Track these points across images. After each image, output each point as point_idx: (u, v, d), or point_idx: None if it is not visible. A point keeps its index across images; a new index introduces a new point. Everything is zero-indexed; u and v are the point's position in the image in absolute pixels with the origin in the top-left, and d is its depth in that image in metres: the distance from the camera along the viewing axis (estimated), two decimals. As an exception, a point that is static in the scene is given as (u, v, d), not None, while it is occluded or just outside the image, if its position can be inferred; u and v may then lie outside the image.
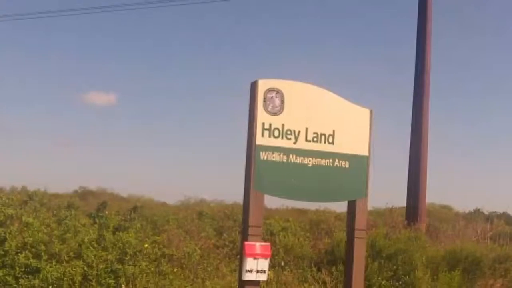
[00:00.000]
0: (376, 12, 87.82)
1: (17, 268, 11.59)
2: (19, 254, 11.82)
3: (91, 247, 12.18)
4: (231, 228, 20.46)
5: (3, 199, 17.10)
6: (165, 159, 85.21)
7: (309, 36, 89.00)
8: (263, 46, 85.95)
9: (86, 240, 12.42)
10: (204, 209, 30.29)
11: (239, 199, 7.65)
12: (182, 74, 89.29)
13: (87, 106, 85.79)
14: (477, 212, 34.68)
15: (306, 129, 7.62)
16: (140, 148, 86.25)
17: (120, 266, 11.89)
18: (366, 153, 8.21)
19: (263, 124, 7.25)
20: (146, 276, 11.85)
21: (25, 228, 12.91)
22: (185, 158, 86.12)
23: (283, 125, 7.39)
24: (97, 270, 11.67)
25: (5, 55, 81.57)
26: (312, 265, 14.51)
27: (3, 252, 12.03)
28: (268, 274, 7.56)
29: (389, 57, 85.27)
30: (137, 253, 12.42)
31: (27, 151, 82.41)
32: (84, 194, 42.50)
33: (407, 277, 14.12)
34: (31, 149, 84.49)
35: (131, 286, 11.55)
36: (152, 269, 12.18)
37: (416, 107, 25.81)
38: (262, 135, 7.24)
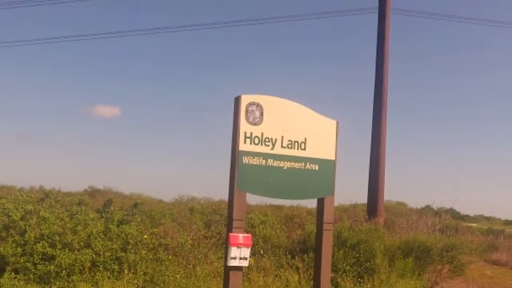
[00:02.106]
0: (343, 36, 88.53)
1: (35, 256, 11.55)
2: (37, 244, 11.78)
3: (98, 238, 12.15)
4: (218, 222, 20.43)
5: (23, 196, 16.98)
6: (162, 162, 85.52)
7: (289, 57, 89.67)
8: (249, 66, 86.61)
9: (94, 231, 12.38)
10: (195, 205, 30.31)
11: (225, 197, 7.65)
12: (178, 89, 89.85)
13: (95, 118, 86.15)
14: (428, 207, 34.68)
15: (282, 137, 7.65)
16: (141, 153, 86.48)
17: (123, 254, 11.86)
18: (333, 158, 8.25)
19: (245, 133, 7.29)
20: (145, 262, 11.82)
21: (42, 222, 12.85)
22: (179, 161, 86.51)
23: (262, 133, 7.42)
24: (104, 258, 11.65)
25: (25, 74, 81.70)
26: (287, 253, 14.50)
27: (23, 242, 12.00)
28: (249, 261, 7.58)
29: (354, 76, 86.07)
30: (138, 243, 12.39)
31: (44, 156, 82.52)
32: (92, 193, 42.32)
33: (368, 263, 14.14)
34: (47, 154, 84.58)
35: (132, 271, 11.53)
36: (151, 256, 12.15)
37: (375, 119, 25.88)
38: (245, 142, 7.28)
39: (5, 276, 10.94)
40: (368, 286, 13.30)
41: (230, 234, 7.22)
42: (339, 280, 13.28)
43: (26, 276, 11.21)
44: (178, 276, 11.74)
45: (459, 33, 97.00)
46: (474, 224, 50.14)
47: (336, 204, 9.17)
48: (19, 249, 11.85)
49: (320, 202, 8.23)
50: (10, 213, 13.52)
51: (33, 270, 11.32)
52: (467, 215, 64.51)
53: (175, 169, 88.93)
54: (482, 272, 22.65)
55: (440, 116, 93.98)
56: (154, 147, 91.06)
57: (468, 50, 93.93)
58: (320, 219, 8.22)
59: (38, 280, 11.14)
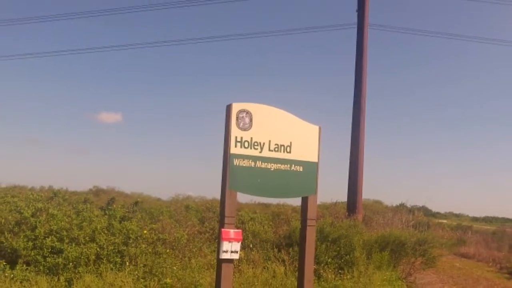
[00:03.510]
0: (326, 48, 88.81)
1: (45, 249, 11.54)
2: (46, 238, 11.77)
3: (102, 233, 12.14)
4: (211, 218, 20.46)
5: (34, 195, 16.97)
6: (160, 164, 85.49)
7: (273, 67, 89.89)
8: (239, 75, 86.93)
9: (98, 227, 12.37)
10: (190, 203, 30.34)
11: (218, 195, 7.68)
12: (173, 98, 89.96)
13: (99, 123, 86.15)
14: (402, 205, 34.82)
15: (269, 141, 7.69)
16: (141, 156, 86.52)
17: (125, 248, 11.85)
18: (316, 160, 8.29)
19: (236, 137, 7.33)
20: (145, 255, 11.81)
21: (51, 218, 12.84)
22: (175, 163, 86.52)
23: (251, 138, 7.46)
24: (107, 251, 11.64)
25: (36, 83, 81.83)
26: (274, 247, 14.51)
27: (34, 237, 11.98)
28: (239, 254, 7.59)
29: (336, 85, 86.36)
30: (138, 238, 12.38)
31: (53, 158, 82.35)
32: (97, 192, 42.23)
33: (348, 256, 14.17)
34: (56, 157, 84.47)
35: (133, 263, 11.52)
36: (150, 250, 12.15)
37: (354, 124, 25.97)
38: (235, 146, 7.31)
39: (17, 267, 10.92)
40: (348, 277, 13.32)
41: (222, 229, 7.25)
42: (322, 271, 13.31)
43: (36, 268, 11.19)
44: (175, 267, 11.74)
45: (431, 46, 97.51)
46: (444, 221, 50.33)
47: (318, 202, 9.19)
48: (30, 243, 11.83)
49: (304, 200, 8.29)
50: (22, 211, 13.50)
51: (42, 262, 11.31)
52: (438, 212, 64.71)
53: (172, 170, 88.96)
54: (451, 264, 22.75)
55: (414, 120, 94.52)
56: (153, 150, 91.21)
57: (440, 61, 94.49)
58: (304, 216, 8.27)
59: (48, 271, 11.12)
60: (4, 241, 11.96)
